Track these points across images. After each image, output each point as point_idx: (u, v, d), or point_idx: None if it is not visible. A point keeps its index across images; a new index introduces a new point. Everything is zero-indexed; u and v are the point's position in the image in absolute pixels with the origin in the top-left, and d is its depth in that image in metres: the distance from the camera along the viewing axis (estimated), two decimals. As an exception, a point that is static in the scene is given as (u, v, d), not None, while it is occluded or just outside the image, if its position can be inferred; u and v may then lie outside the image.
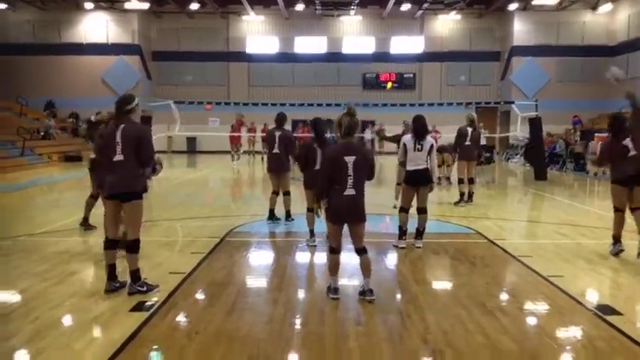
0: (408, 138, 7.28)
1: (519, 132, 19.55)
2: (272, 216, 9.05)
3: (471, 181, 11.42)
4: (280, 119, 9.16)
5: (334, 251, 5.29)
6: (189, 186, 15.70)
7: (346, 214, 5.19)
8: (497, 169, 22.29)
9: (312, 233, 7.50)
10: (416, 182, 7.19)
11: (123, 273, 5.64)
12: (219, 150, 27.04)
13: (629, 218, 7.02)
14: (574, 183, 16.90)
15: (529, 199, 12.98)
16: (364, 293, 5.24)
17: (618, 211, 6.96)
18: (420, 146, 7.15)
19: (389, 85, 30.59)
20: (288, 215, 8.99)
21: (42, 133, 23.67)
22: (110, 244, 5.46)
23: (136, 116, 5.49)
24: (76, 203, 11.75)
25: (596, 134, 19.88)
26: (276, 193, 9.02)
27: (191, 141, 29.35)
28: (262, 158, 23.25)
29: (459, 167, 11.51)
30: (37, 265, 6.48)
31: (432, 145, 7.18)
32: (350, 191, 5.11)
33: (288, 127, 10.80)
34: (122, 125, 5.29)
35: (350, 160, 5.10)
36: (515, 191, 15.03)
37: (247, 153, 25.18)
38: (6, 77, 27.17)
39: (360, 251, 5.27)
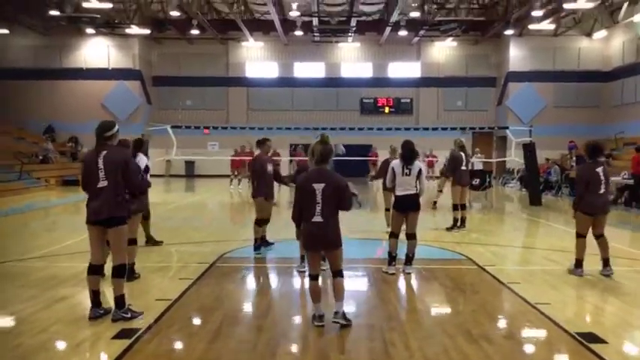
0: (396, 163, 7.32)
1: (513, 157, 19.59)
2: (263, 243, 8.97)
3: (463, 207, 11.43)
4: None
5: (312, 278, 5.30)
6: (186, 210, 15.73)
7: (316, 241, 5.21)
8: (493, 194, 22.29)
9: (302, 259, 7.48)
10: (405, 208, 7.21)
11: (110, 298, 5.62)
12: (217, 174, 27.12)
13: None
14: (569, 208, 16.83)
15: (522, 225, 12.99)
16: (336, 314, 5.18)
17: (581, 237, 7.34)
18: (408, 171, 7.18)
19: (386, 109, 30.81)
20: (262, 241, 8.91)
21: (40, 157, 23.77)
22: (94, 270, 5.46)
23: (114, 142, 5.58)
24: (69, 227, 11.83)
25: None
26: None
27: (189, 165, 29.46)
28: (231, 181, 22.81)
29: (454, 192, 11.45)
30: (23, 290, 6.46)
31: (420, 170, 7.22)
32: (317, 218, 5.12)
33: (285, 150, 11.04)
34: (104, 152, 5.34)
35: (319, 187, 5.12)
36: (509, 217, 15.04)
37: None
38: (5, 102, 27.38)
39: (335, 274, 5.28)
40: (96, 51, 28.93)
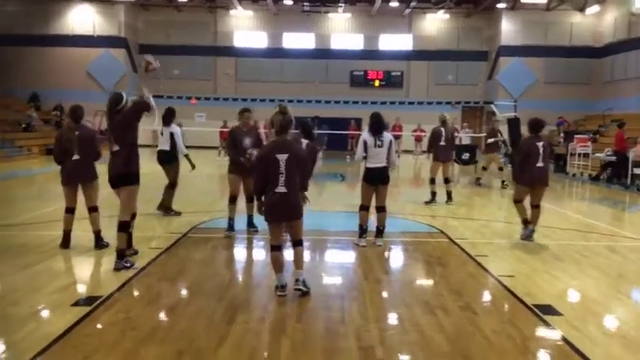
0: (366, 135, 7.28)
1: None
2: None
3: (447, 180, 11.40)
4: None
5: (274, 249, 5.31)
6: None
7: (279, 212, 5.22)
8: (475, 170, 22.29)
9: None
10: (375, 180, 7.20)
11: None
12: (204, 145, 26.94)
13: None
14: (551, 184, 16.90)
15: (502, 200, 13.00)
16: (297, 282, 5.28)
17: (518, 202, 7.93)
18: (380, 142, 7.15)
19: (376, 82, 30.58)
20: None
21: (24, 126, 23.52)
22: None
23: None
24: (46, 196, 11.75)
25: (575, 135, 19.98)
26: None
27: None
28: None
29: (432, 167, 11.47)
30: (-11, 257, 6.45)
31: (391, 141, 7.20)
32: (281, 189, 5.13)
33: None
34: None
35: (282, 157, 5.12)
36: (490, 192, 15.06)
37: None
38: (-10, 68, 26.95)
39: (295, 243, 5.36)
40: (81, 17, 28.35)
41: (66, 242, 6.91)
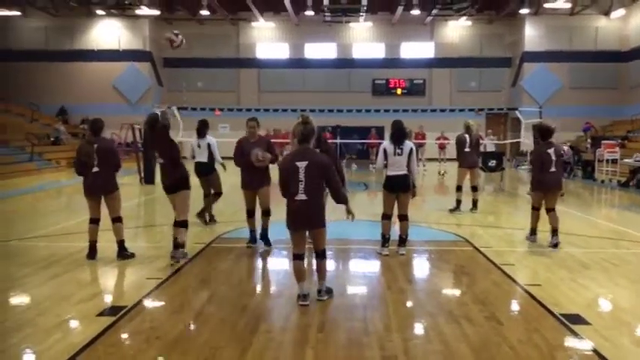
0: (387, 143, 7.24)
1: (522, 139, 19.32)
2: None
3: (475, 189, 11.24)
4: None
5: (296, 257, 5.32)
6: (194, 191, 15.75)
7: (299, 220, 5.23)
8: (506, 177, 22.04)
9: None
10: (395, 188, 7.16)
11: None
12: (229, 156, 27.14)
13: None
14: (579, 190, 16.64)
15: (528, 207, 12.75)
16: (320, 292, 5.37)
17: (535, 209, 8.20)
18: (399, 151, 7.11)
19: (398, 91, 30.51)
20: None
21: (52, 139, 24.03)
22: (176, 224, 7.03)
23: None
24: (73, 208, 11.97)
25: (603, 141, 19.60)
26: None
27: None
28: None
29: (459, 174, 11.32)
30: (18, 269, 6.58)
31: (411, 149, 7.14)
32: (301, 196, 5.15)
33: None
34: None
35: (302, 165, 5.15)
36: (516, 199, 14.84)
37: None
38: (19, 83, 27.62)
39: (318, 255, 5.33)
40: (106, 32, 28.98)
41: (92, 253, 7.02)
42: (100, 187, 7.03)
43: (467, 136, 11.19)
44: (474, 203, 11.18)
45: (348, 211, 5.51)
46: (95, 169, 6.94)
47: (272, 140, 8.99)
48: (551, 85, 28.21)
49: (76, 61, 28.57)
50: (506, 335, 4.53)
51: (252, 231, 7.82)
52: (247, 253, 7.57)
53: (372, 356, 4.15)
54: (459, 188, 11.21)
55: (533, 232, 8.23)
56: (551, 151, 7.90)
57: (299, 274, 5.32)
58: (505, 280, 6.23)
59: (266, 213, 7.59)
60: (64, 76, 28.30)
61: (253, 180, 7.49)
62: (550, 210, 7.99)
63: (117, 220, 7.08)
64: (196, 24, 29.77)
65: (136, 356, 4.15)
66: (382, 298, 5.62)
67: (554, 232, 7.94)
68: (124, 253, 7.04)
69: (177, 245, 6.93)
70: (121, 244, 7.08)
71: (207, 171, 9.60)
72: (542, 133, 8.08)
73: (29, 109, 25.62)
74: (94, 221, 7.08)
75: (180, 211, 6.97)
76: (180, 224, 6.95)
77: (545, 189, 7.98)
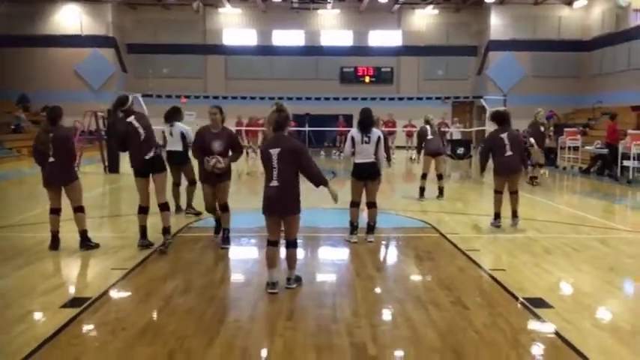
0: (354, 131, 7.25)
1: (487, 127, 19.62)
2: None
3: (440, 177, 11.36)
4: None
5: (270, 244, 5.35)
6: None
7: (273, 206, 5.27)
8: (472, 165, 22.39)
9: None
10: (363, 176, 7.18)
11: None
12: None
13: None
14: (542, 178, 17.01)
15: (491, 193, 12.98)
16: (289, 281, 5.40)
17: (497, 192, 8.39)
18: (367, 139, 7.12)
19: (367, 79, 30.56)
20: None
21: (12, 127, 23.31)
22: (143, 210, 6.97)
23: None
24: (36, 198, 11.62)
25: (565, 129, 20.06)
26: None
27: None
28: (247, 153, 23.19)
29: (424, 162, 11.42)
30: (-23, 260, 6.38)
31: (379, 137, 7.16)
32: (274, 182, 5.21)
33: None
34: (132, 116, 6.80)
35: (274, 152, 5.21)
36: (481, 186, 15.09)
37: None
38: (-22, 70, 26.68)
39: (289, 244, 5.38)
40: (68, 17, 28.10)
41: (54, 244, 6.86)
42: (58, 178, 6.84)
43: (428, 127, 11.28)
44: (440, 191, 11.32)
45: (332, 193, 5.49)
46: (51, 159, 6.74)
47: (250, 129, 8.83)
48: (515, 73, 28.67)
49: (37, 46, 27.62)
50: (471, 320, 4.62)
51: (217, 220, 7.50)
52: (214, 243, 7.49)
53: (341, 343, 4.18)
54: (423, 176, 11.31)
55: (497, 216, 8.41)
56: (504, 135, 8.17)
57: (271, 260, 5.33)
58: (470, 265, 6.35)
59: (224, 208, 7.09)
60: (25, 62, 27.35)
61: (213, 173, 6.90)
62: (512, 192, 8.34)
63: (78, 209, 6.92)
64: (161, 9, 29.18)
65: (101, 347, 4.08)
66: (351, 285, 5.66)
67: (514, 213, 8.34)
68: (87, 244, 6.89)
69: (166, 231, 6.99)
70: (83, 234, 6.93)
71: (181, 160, 9.27)
72: (498, 119, 8.41)
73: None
74: (55, 211, 6.91)
75: (161, 192, 6.93)
76: (166, 207, 6.99)
77: (506, 172, 8.25)
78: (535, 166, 14.23)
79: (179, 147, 9.25)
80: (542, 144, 14.39)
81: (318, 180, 5.36)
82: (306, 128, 24.43)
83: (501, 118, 8.37)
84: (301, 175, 5.37)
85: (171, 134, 9.29)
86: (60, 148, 6.76)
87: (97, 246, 6.94)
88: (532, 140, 13.75)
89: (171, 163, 9.10)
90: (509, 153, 8.11)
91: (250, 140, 23.74)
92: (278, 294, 5.24)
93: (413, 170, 18.28)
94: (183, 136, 9.23)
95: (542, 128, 14.24)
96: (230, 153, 6.99)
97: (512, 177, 8.29)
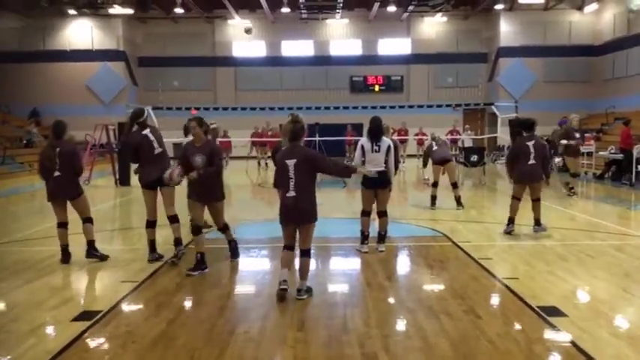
0: (364, 140, 7.21)
1: (499, 134, 19.50)
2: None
3: (455, 185, 11.20)
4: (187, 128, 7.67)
5: (286, 248, 5.49)
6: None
7: (289, 215, 5.37)
8: (483, 172, 22.21)
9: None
10: (373, 184, 7.13)
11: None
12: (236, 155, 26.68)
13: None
14: (556, 184, 16.83)
15: (505, 201, 12.86)
16: (299, 292, 5.39)
17: (515, 199, 8.37)
18: (377, 147, 7.08)
19: (376, 87, 30.54)
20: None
21: (24, 142, 23.54)
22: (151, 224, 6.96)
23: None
24: (48, 212, 11.63)
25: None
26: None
27: (178, 147, 29.16)
28: (259, 163, 23.42)
29: (433, 171, 11.28)
30: (-11, 274, 6.41)
31: (389, 146, 7.12)
32: (291, 193, 5.31)
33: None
34: (147, 129, 6.84)
35: (291, 162, 5.31)
36: (494, 193, 14.99)
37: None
38: (-10, 85, 27.01)
39: (303, 253, 5.45)
40: (79, 32, 28.41)
41: (65, 257, 6.87)
42: (63, 192, 6.88)
43: (433, 142, 11.20)
44: (458, 200, 11.02)
45: (366, 172, 6.24)
46: (57, 174, 6.76)
47: (272, 139, 8.78)
48: (526, 79, 28.51)
49: (48, 61, 27.96)
50: (484, 329, 4.54)
51: (230, 241, 7.09)
52: (224, 254, 7.46)
53: (352, 354, 4.13)
54: (434, 184, 11.20)
55: (511, 221, 8.34)
56: (530, 143, 8.14)
57: (285, 260, 5.46)
58: (483, 274, 6.26)
59: (222, 230, 6.94)
60: (36, 77, 27.67)
61: (204, 191, 6.43)
62: (534, 200, 8.30)
63: (87, 220, 6.98)
64: (171, 22, 29.43)
65: (111, 361, 4.07)
66: (362, 295, 5.61)
67: (537, 221, 8.27)
68: (93, 253, 6.90)
69: (178, 242, 6.97)
70: (90, 244, 6.95)
71: None
72: (525, 127, 8.36)
73: (0, 111, 25.04)
74: (62, 225, 6.94)
75: (170, 205, 6.95)
76: (175, 220, 6.98)
77: (526, 180, 8.23)
78: (574, 177, 13.57)
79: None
80: (578, 152, 13.58)
81: (347, 172, 5.92)
82: (316, 138, 24.40)
83: (529, 126, 8.33)
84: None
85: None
86: (66, 163, 6.80)
87: (104, 257, 6.94)
88: (564, 142, 13.22)
89: None
90: (532, 162, 8.10)
91: (259, 150, 23.79)
92: (288, 305, 5.20)
93: (423, 179, 18.18)
94: None
95: (577, 134, 13.24)
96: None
97: (533, 185, 8.26)
